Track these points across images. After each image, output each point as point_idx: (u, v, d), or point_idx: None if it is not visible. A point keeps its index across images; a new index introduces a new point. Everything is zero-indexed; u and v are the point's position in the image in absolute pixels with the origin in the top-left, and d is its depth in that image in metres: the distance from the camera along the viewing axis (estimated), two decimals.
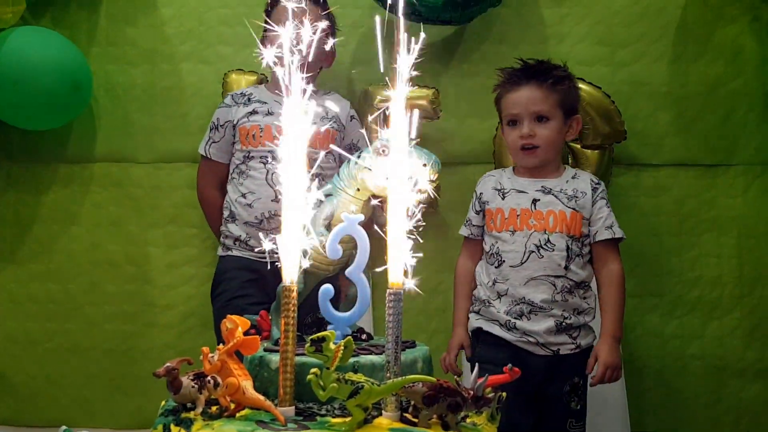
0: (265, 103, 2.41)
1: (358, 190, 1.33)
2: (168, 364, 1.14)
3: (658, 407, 2.69)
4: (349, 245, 1.30)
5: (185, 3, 2.70)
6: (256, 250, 2.31)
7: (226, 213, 2.42)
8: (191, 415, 1.13)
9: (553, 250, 2.07)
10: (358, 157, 1.34)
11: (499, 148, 2.61)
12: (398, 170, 1.19)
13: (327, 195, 1.36)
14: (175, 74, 2.71)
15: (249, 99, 2.43)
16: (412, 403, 1.16)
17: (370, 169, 1.28)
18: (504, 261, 2.10)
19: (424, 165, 1.29)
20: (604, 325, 2.09)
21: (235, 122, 2.41)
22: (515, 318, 2.07)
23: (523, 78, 2.15)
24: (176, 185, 2.73)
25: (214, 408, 1.16)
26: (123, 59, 2.72)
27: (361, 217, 1.22)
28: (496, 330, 2.09)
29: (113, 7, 2.71)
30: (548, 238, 2.08)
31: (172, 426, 1.12)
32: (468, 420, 1.17)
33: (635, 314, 2.70)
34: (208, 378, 1.18)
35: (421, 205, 1.20)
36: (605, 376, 2.04)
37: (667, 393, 2.69)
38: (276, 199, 2.29)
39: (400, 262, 1.15)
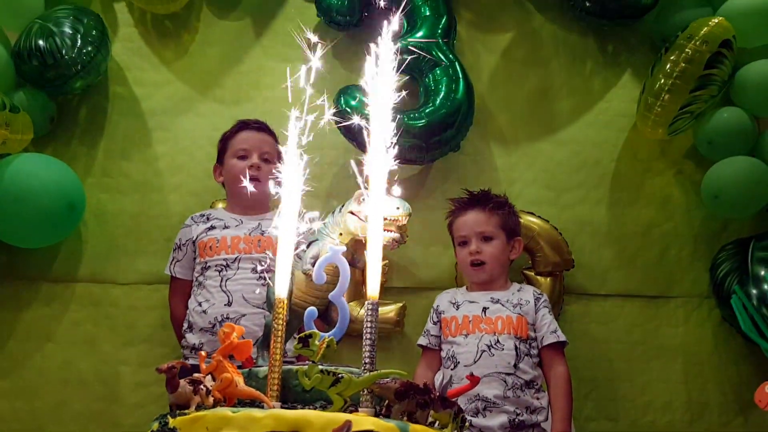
0: (222, 220, 2.65)
1: (341, 234, 1.54)
2: (169, 363, 1.25)
3: None
4: (330, 286, 1.47)
5: (178, 141, 3.00)
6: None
7: (185, 325, 2.56)
8: (186, 411, 1.23)
9: (503, 349, 2.31)
10: (341, 208, 1.57)
11: (459, 274, 2.84)
12: (376, 210, 1.42)
13: (314, 240, 1.56)
14: (163, 203, 2.95)
15: (207, 218, 2.67)
16: (385, 403, 1.28)
17: (352, 213, 1.50)
18: (459, 362, 2.31)
19: (397, 208, 1.52)
20: (554, 423, 2.29)
21: (194, 239, 2.62)
22: (471, 416, 2.24)
23: (468, 205, 2.56)
24: (153, 306, 2.86)
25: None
26: (115, 189, 2.96)
27: (344, 248, 1.42)
28: None
29: (111, 143, 2.99)
30: (498, 339, 2.32)
31: (168, 417, 1.22)
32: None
33: None
34: (202, 385, 1.29)
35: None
36: None
37: None
38: (229, 303, 2.47)
39: (377, 281, 1.34)
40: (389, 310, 2.77)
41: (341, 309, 1.37)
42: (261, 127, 2.70)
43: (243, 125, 2.71)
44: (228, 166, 2.68)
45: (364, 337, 1.30)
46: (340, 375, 1.21)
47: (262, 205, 2.67)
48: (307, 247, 1.54)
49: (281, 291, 1.34)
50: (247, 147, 2.66)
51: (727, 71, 2.81)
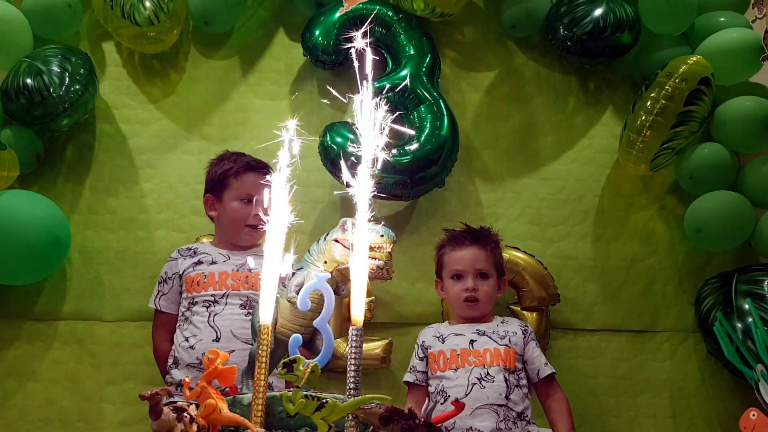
0: (209, 254, 2.62)
1: (326, 262, 1.55)
2: (153, 389, 1.24)
3: None
4: (314, 314, 1.47)
5: (165, 179, 3.00)
6: None
7: (170, 361, 2.52)
8: None
9: (493, 381, 2.30)
10: (326, 236, 1.58)
11: (446, 309, 2.84)
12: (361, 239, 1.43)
13: (299, 269, 1.56)
14: (149, 240, 2.93)
15: (194, 252, 2.64)
16: (370, 429, 1.28)
17: (337, 241, 1.51)
18: (449, 396, 2.29)
19: (381, 236, 1.53)
20: None
21: (181, 273, 2.60)
22: None
23: (467, 239, 2.54)
24: (137, 343, 2.82)
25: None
26: (101, 226, 2.94)
27: (329, 275, 1.42)
28: None
29: (98, 180, 2.98)
30: (487, 372, 2.32)
31: None
32: None
33: None
34: (185, 413, 1.28)
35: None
36: None
37: None
38: (217, 338, 2.43)
39: (361, 305, 1.34)
40: (375, 347, 2.75)
41: (326, 335, 1.37)
42: (268, 171, 2.52)
43: (249, 166, 2.64)
44: (229, 207, 2.63)
45: (349, 363, 1.30)
46: (324, 400, 1.21)
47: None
48: (292, 275, 1.55)
49: (265, 318, 1.35)
50: (252, 192, 2.60)
51: (707, 108, 2.87)
